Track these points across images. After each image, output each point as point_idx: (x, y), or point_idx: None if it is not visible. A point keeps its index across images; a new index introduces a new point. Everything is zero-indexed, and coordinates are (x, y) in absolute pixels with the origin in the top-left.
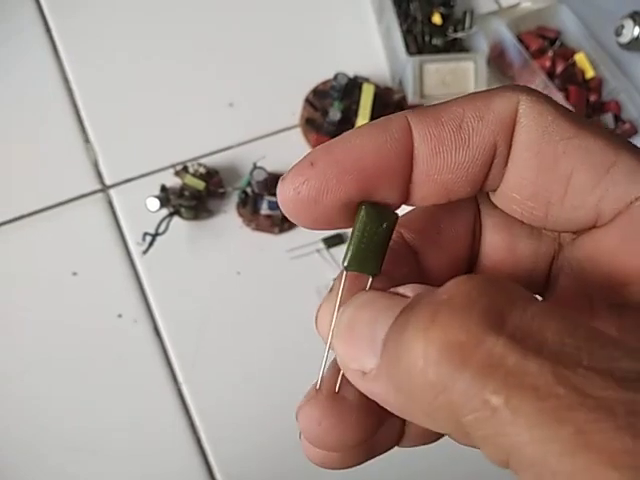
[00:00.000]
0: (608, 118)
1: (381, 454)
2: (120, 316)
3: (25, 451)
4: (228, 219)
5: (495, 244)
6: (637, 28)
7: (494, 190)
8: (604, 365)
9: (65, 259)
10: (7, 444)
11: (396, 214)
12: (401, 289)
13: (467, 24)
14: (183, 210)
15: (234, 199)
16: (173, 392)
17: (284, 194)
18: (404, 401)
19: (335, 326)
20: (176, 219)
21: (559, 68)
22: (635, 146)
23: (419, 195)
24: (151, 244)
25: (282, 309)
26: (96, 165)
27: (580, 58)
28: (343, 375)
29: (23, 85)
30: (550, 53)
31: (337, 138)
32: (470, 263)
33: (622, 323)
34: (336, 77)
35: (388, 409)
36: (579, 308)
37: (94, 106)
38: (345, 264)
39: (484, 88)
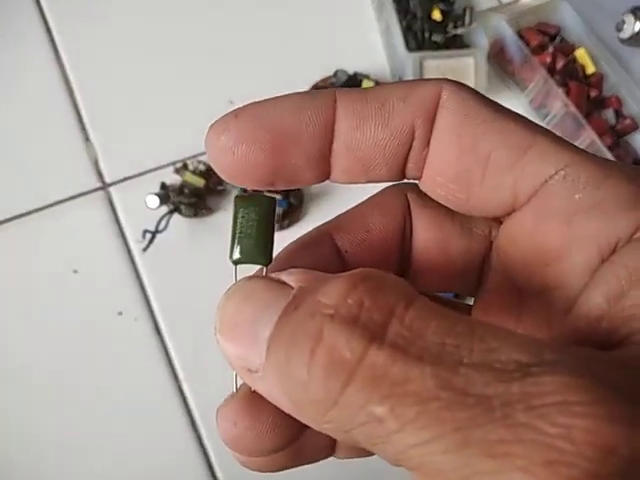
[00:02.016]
0: (609, 113)
1: (314, 462)
2: (120, 314)
3: (25, 451)
4: (228, 216)
5: (426, 244)
6: (638, 23)
7: (419, 177)
8: (484, 359)
9: (65, 257)
10: (7, 444)
11: (272, 197)
12: (284, 276)
13: (467, 20)
14: (183, 207)
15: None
16: (173, 390)
17: (207, 140)
18: (294, 408)
19: (218, 321)
20: (176, 216)
21: (559, 64)
22: (552, 132)
23: (338, 168)
24: (151, 241)
25: None
26: (96, 163)
27: (581, 54)
28: None
29: (23, 84)
30: (550, 49)
31: (266, 99)
32: (402, 263)
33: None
34: (336, 74)
35: (280, 408)
36: (508, 304)
37: (94, 104)
38: (232, 259)
39: (484, 84)
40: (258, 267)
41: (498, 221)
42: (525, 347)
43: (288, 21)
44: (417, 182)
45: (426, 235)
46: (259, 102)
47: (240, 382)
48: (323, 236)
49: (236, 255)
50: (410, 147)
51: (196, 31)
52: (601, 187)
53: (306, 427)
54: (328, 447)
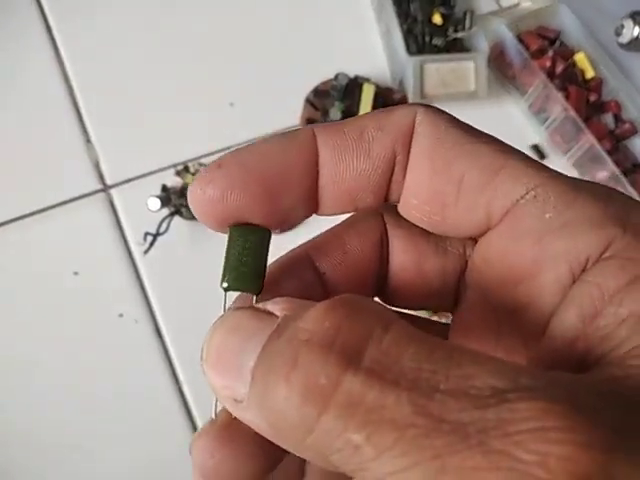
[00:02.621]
0: (608, 118)
1: None
2: (121, 316)
3: (25, 450)
4: None
5: (402, 264)
6: (637, 28)
7: (398, 201)
8: (460, 385)
9: (66, 259)
10: (7, 443)
11: (267, 230)
12: (269, 305)
13: (467, 24)
14: (184, 210)
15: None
16: (174, 391)
17: (192, 194)
18: (276, 437)
19: (205, 351)
20: (177, 219)
21: (559, 68)
22: (524, 153)
23: (326, 202)
24: (152, 244)
25: None
26: (97, 165)
27: (580, 58)
28: None
29: (25, 86)
30: (550, 53)
31: (243, 147)
32: (378, 284)
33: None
34: (337, 77)
35: (266, 437)
36: (486, 323)
37: (95, 106)
38: (223, 285)
39: (484, 88)
40: (243, 293)
41: (473, 240)
42: (502, 373)
43: (289, 25)
44: (396, 205)
45: (402, 255)
46: (239, 150)
47: (219, 409)
48: (302, 258)
49: (229, 283)
50: (392, 173)
51: (197, 34)
52: (570, 207)
53: (282, 455)
54: (297, 475)
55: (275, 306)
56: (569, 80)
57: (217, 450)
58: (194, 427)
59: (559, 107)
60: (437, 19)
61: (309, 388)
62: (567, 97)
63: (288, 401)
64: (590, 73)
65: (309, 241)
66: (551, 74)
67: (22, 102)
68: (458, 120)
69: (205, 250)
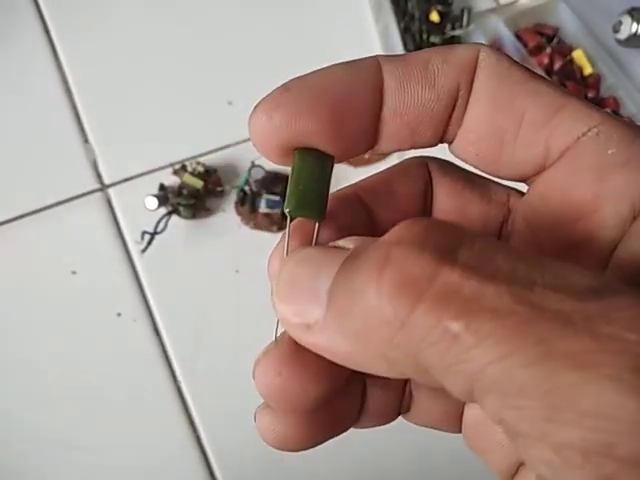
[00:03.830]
0: None
1: (340, 432)
2: (119, 315)
3: (24, 450)
4: (226, 218)
5: (446, 208)
6: (635, 24)
7: (451, 142)
8: (556, 282)
9: (64, 258)
10: (6, 444)
11: (331, 156)
12: (341, 242)
13: (465, 22)
14: (181, 209)
15: (232, 198)
16: (172, 391)
17: (256, 121)
18: (358, 348)
19: (275, 283)
20: (175, 218)
21: (557, 65)
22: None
23: (387, 135)
24: (150, 243)
25: None
26: (95, 164)
27: (578, 55)
28: None
29: (22, 85)
30: (548, 50)
31: (311, 72)
32: None
33: None
34: None
35: (334, 360)
36: None
37: (93, 105)
38: (287, 209)
39: None
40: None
41: (519, 193)
42: (593, 276)
43: (286, 22)
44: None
45: (446, 202)
46: (304, 75)
47: (280, 332)
48: (353, 196)
49: (293, 207)
50: (454, 108)
51: (195, 32)
52: (632, 144)
53: (343, 379)
54: (356, 410)
55: (346, 242)
56: (567, 77)
57: (284, 367)
58: (192, 425)
59: None
60: (434, 17)
61: (403, 280)
62: None
63: (379, 294)
64: (588, 70)
65: (357, 182)
66: (549, 71)
67: (19, 102)
68: (516, 61)
69: (203, 249)
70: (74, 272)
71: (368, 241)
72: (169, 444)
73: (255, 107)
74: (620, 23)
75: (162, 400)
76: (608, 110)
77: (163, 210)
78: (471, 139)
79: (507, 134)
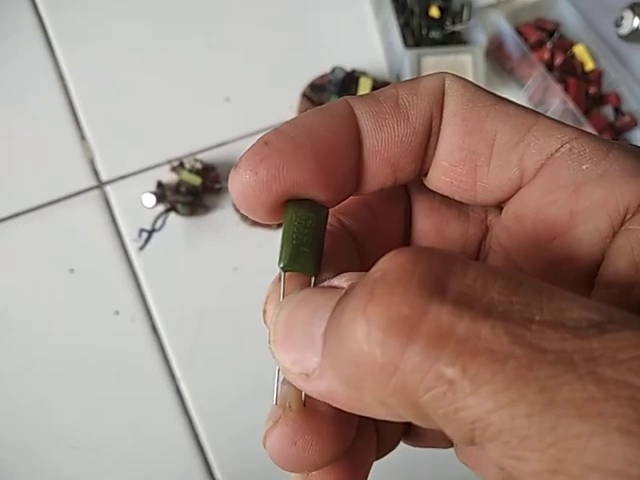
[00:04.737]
0: (608, 110)
1: (365, 472)
2: (117, 313)
3: (23, 451)
4: (225, 215)
5: (425, 228)
6: (637, 19)
7: (426, 174)
8: (555, 317)
9: (62, 256)
10: (6, 444)
11: (326, 208)
12: (335, 281)
13: (465, 17)
14: (179, 206)
15: (230, 195)
16: (171, 389)
17: (240, 180)
18: (354, 393)
19: (271, 332)
20: (172, 215)
21: (558, 60)
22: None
23: (369, 176)
24: (147, 240)
25: None
26: (92, 162)
27: (579, 50)
28: None
29: (18, 82)
30: (549, 45)
31: (284, 123)
32: None
33: None
34: (333, 71)
35: (340, 407)
36: None
37: (90, 103)
38: (281, 265)
39: (483, 81)
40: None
41: (498, 207)
42: (594, 307)
43: (285, 18)
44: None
45: (425, 222)
46: (280, 127)
47: (282, 393)
48: (337, 223)
49: (287, 262)
50: (429, 138)
51: (192, 29)
52: (606, 158)
53: (355, 427)
54: (374, 449)
55: (340, 280)
56: (568, 72)
57: (299, 437)
58: (191, 424)
59: (558, 99)
60: (434, 12)
61: (391, 319)
62: (566, 89)
63: (368, 337)
64: (589, 65)
65: (338, 207)
66: (550, 66)
67: (16, 99)
68: (481, 87)
69: (201, 246)
70: (71, 270)
71: (362, 275)
72: (168, 442)
73: (235, 167)
74: (622, 18)
75: (160, 398)
76: (610, 106)
77: (161, 207)
78: (444, 167)
79: (480, 158)
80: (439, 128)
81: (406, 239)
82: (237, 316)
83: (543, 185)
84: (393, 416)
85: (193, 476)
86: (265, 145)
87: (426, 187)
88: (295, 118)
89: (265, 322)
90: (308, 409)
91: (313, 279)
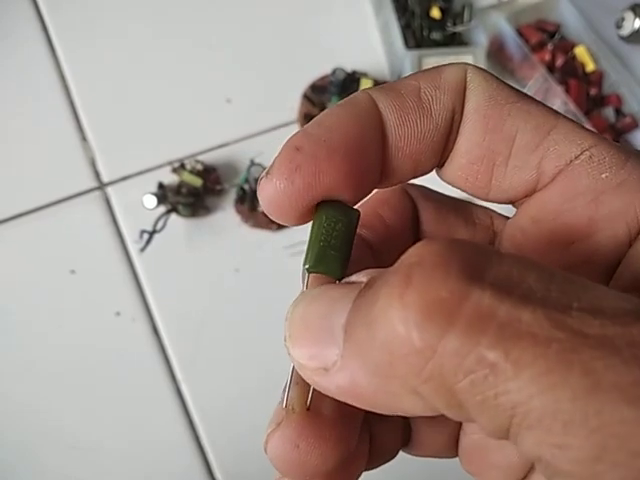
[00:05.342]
0: (609, 112)
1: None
2: (118, 314)
3: (23, 451)
4: (226, 216)
5: (434, 236)
6: (638, 20)
7: (441, 166)
8: (593, 305)
9: (62, 257)
10: (6, 444)
11: (357, 211)
12: (354, 277)
13: (466, 18)
14: (180, 207)
15: (232, 196)
16: (172, 390)
17: (274, 188)
18: (382, 383)
19: (287, 328)
20: (173, 216)
21: (559, 61)
22: (569, 117)
23: (392, 170)
24: (148, 242)
25: (281, 306)
26: (93, 163)
27: (580, 51)
28: (314, 390)
29: (19, 83)
30: (550, 46)
31: (310, 123)
32: None
33: None
34: (334, 72)
35: (358, 404)
36: None
37: (91, 104)
38: (306, 265)
39: None
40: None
41: (503, 217)
42: (627, 298)
43: (286, 19)
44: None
45: (434, 229)
46: (306, 129)
47: (293, 396)
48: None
49: (313, 263)
50: (450, 132)
51: (193, 30)
52: (624, 167)
53: (357, 434)
54: (366, 457)
55: (359, 276)
56: (569, 73)
57: (302, 440)
58: (192, 425)
59: (559, 101)
60: (435, 13)
61: (430, 304)
62: (567, 91)
63: (405, 321)
64: (590, 66)
65: None
66: (551, 67)
67: (17, 100)
68: (502, 80)
69: (202, 247)
70: (73, 271)
71: (382, 271)
72: (168, 442)
73: (268, 174)
74: (622, 19)
75: (161, 399)
76: (610, 108)
77: (162, 209)
78: (462, 163)
79: (499, 157)
80: (459, 123)
81: None
82: (238, 317)
83: (562, 191)
84: (423, 408)
85: (193, 476)
86: (297, 151)
87: (431, 197)
88: (321, 116)
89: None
90: (311, 412)
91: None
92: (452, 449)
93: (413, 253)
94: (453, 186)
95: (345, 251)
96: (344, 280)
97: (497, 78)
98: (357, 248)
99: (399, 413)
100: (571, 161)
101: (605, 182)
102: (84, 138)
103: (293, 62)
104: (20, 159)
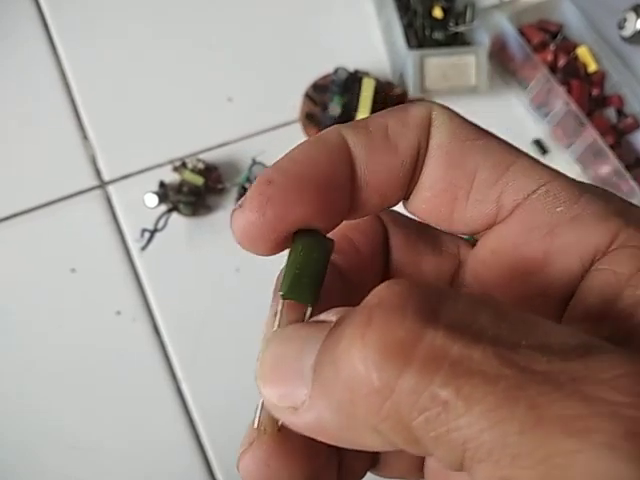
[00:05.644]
0: (610, 112)
1: None
2: (119, 313)
3: (24, 450)
4: (227, 215)
5: (402, 262)
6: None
7: (407, 198)
8: (541, 342)
9: (63, 256)
10: (6, 444)
11: (332, 240)
12: (323, 316)
13: (468, 17)
14: (182, 206)
15: (233, 195)
16: (172, 389)
17: (246, 220)
18: (346, 421)
19: (258, 367)
20: (175, 215)
21: (561, 62)
22: (528, 154)
23: (360, 205)
24: (149, 240)
25: None
26: (94, 161)
27: (582, 51)
28: None
29: (20, 82)
30: (552, 46)
31: (281, 158)
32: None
33: None
34: (336, 71)
35: (325, 440)
36: None
37: (92, 102)
38: (282, 292)
39: (485, 82)
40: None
41: (469, 244)
42: (574, 334)
43: (288, 18)
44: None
45: (402, 255)
46: (279, 163)
47: (265, 417)
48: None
49: (288, 291)
50: (416, 167)
51: (195, 29)
52: (579, 201)
53: (325, 455)
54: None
55: (328, 314)
56: (571, 74)
57: (272, 459)
58: (193, 425)
59: (561, 101)
60: (437, 13)
61: (388, 344)
62: (569, 91)
63: (365, 362)
64: (592, 67)
65: None
66: (553, 68)
67: (18, 99)
68: (466, 119)
69: (203, 246)
70: (73, 270)
71: (351, 310)
72: (168, 442)
73: (240, 206)
74: (625, 20)
75: (161, 398)
76: (612, 108)
77: (163, 207)
78: (426, 196)
79: (460, 191)
80: (424, 158)
81: (386, 272)
82: (239, 316)
83: (520, 224)
84: (383, 444)
85: (194, 476)
86: (269, 184)
87: (401, 221)
88: (292, 152)
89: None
90: (282, 433)
91: (309, 310)
92: (418, 471)
93: (375, 294)
94: (418, 218)
95: (318, 279)
96: (314, 318)
97: (461, 117)
98: (327, 273)
99: (363, 448)
100: (528, 195)
101: (560, 216)
102: (85, 136)
103: (294, 61)
104: (21, 157)
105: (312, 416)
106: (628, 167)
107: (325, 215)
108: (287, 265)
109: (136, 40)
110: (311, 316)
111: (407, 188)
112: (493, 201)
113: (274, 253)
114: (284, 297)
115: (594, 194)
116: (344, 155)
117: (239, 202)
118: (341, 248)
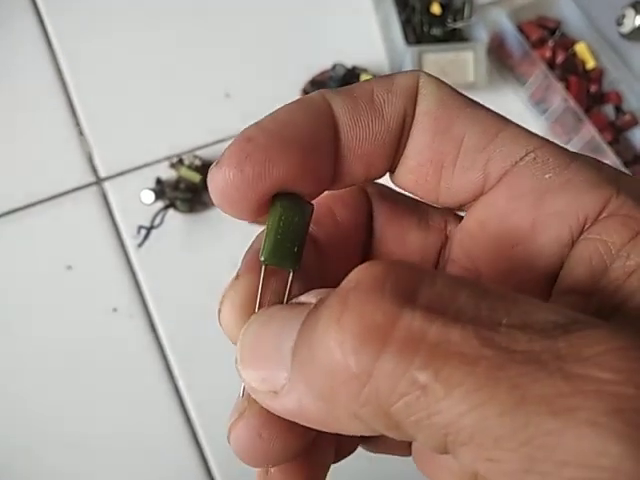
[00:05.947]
0: (609, 109)
1: (321, 474)
2: (115, 310)
3: (20, 449)
4: (224, 213)
5: (386, 236)
6: (638, 17)
7: (393, 170)
8: (522, 320)
9: (59, 253)
10: (5, 443)
11: (312, 204)
12: (303, 297)
13: (466, 14)
14: (179, 203)
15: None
16: (169, 386)
17: (223, 178)
18: (326, 407)
19: (238, 351)
20: (171, 212)
21: (559, 58)
22: (517, 123)
23: (343, 172)
24: (146, 237)
25: None
26: (90, 158)
27: (581, 48)
28: None
29: (16, 78)
30: (550, 43)
31: (264, 117)
32: (366, 258)
33: None
34: (334, 67)
35: (308, 425)
36: None
37: (88, 98)
38: (263, 258)
39: (484, 78)
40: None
41: (453, 215)
42: (557, 311)
43: (286, 14)
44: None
45: (386, 227)
46: (260, 122)
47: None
48: None
49: (269, 256)
50: (402, 135)
51: (191, 25)
52: (568, 168)
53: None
54: (332, 452)
55: (308, 296)
56: (569, 70)
57: (265, 429)
58: (189, 422)
59: (559, 98)
60: (436, 9)
61: (364, 328)
62: (567, 88)
63: (342, 346)
64: (591, 63)
65: None
66: (551, 64)
67: (14, 95)
68: (454, 88)
69: (200, 243)
70: (69, 267)
71: (329, 291)
72: (165, 439)
73: (217, 163)
74: (623, 16)
75: (158, 395)
76: (611, 105)
77: (160, 204)
78: (411, 166)
79: (446, 159)
80: (410, 126)
81: (367, 246)
82: None
83: (506, 192)
84: (365, 430)
85: (190, 473)
86: (249, 141)
87: (387, 196)
88: (275, 112)
89: (220, 322)
90: None
91: (289, 283)
92: (407, 448)
93: (352, 277)
94: (404, 190)
95: (300, 244)
96: (295, 300)
97: (449, 86)
98: (308, 249)
99: (345, 433)
100: (516, 162)
101: (549, 182)
102: (81, 133)
103: (292, 57)
104: (16, 154)
105: (292, 400)
106: (626, 164)
107: (306, 179)
108: (267, 229)
109: (133, 35)
110: (291, 287)
111: (393, 160)
112: (480, 168)
113: (254, 217)
114: (265, 262)
115: (585, 161)
116: (328, 118)
117: (216, 160)
118: (319, 219)
